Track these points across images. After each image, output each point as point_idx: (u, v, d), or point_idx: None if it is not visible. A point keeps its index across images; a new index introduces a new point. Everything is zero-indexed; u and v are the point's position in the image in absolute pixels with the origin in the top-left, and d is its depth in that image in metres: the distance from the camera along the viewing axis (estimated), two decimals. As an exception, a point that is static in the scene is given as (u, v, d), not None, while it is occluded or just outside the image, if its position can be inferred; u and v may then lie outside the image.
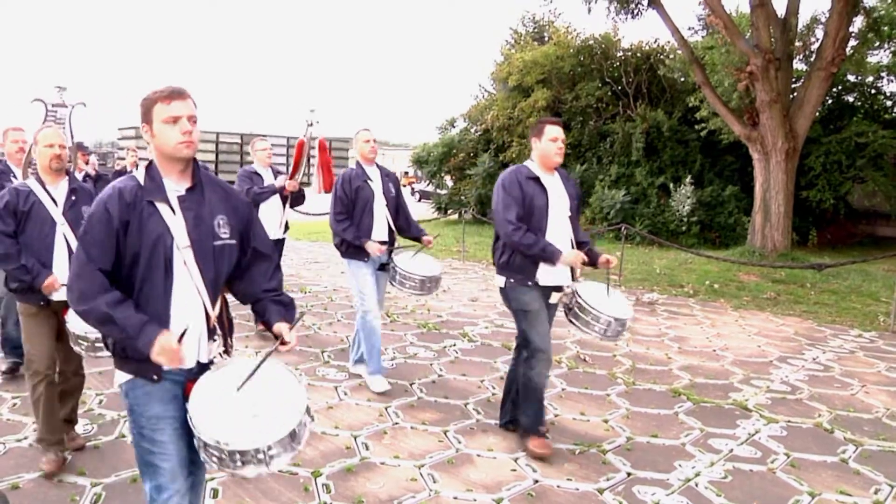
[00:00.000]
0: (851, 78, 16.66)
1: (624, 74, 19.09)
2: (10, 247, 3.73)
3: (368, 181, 5.22)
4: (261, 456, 2.15)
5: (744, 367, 6.30)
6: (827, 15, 13.27)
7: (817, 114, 14.03)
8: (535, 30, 22.96)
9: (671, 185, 16.18)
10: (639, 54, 19.48)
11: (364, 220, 5.18)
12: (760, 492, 3.82)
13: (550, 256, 3.96)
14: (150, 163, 2.43)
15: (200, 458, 2.28)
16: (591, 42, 19.96)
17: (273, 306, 2.56)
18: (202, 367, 2.45)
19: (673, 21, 13.78)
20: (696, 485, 3.88)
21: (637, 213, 16.30)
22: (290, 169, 6.88)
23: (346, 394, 5.20)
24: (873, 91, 17.08)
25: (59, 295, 3.69)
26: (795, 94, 13.52)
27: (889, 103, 17.17)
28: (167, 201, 2.36)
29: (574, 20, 40.91)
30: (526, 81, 19.69)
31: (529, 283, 4.08)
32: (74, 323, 3.58)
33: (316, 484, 3.72)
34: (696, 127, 16.57)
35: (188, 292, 2.39)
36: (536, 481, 3.86)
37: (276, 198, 6.66)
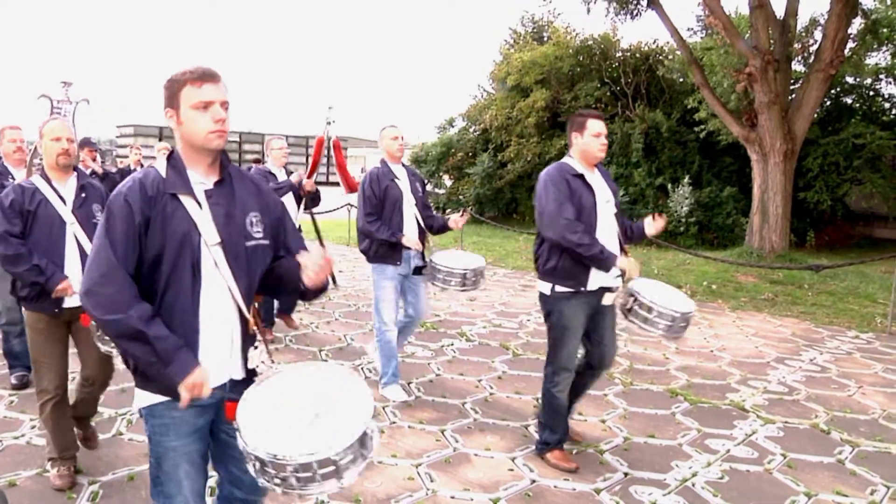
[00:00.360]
0: (850, 80, 16.67)
1: (623, 75, 19.10)
2: (20, 247, 3.45)
3: (396, 180, 5.00)
4: (330, 468, 1.83)
5: (741, 368, 6.31)
6: (826, 17, 13.29)
7: (815, 115, 14.05)
8: (535, 30, 22.95)
9: (669, 186, 16.19)
10: (638, 55, 19.49)
11: (394, 220, 4.93)
12: (757, 492, 3.82)
13: (606, 261, 3.72)
14: (172, 152, 2.17)
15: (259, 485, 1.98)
16: (590, 42, 19.96)
17: (293, 257, 2.27)
18: (235, 384, 2.21)
19: (672, 22, 13.79)
20: (693, 485, 3.89)
21: (635, 214, 16.29)
22: (308, 168, 6.72)
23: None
24: (871, 93, 17.10)
25: (72, 301, 3.50)
26: (794, 95, 13.52)
27: (887, 105, 17.19)
28: (192, 194, 2.10)
29: (573, 20, 41.01)
30: (525, 81, 19.69)
31: (582, 288, 3.82)
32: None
33: (313, 482, 3.72)
34: (695, 128, 16.58)
35: (219, 297, 2.13)
36: (533, 481, 3.86)
37: (291, 199, 6.43)
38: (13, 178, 5.00)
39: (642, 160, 17.26)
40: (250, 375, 2.22)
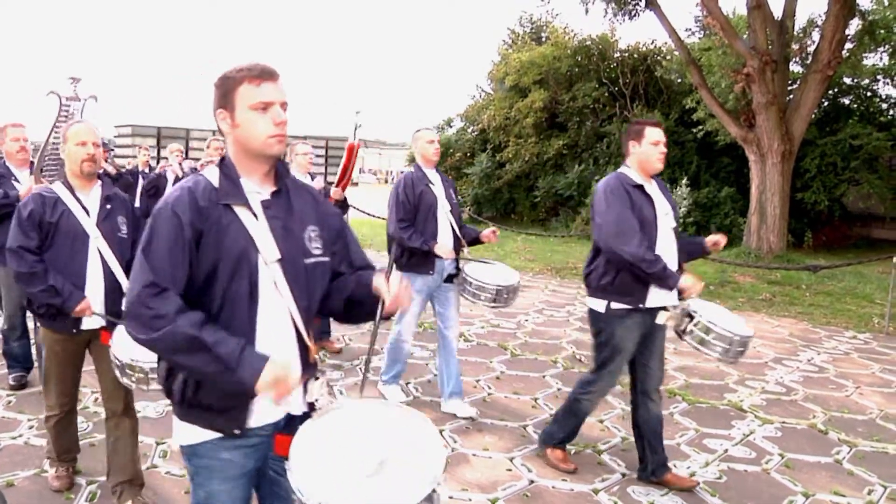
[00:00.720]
0: (847, 80, 16.71)
1: (621, 75, 19.12)
2: (35, 265, 3.16)
3: (430, 185, 4.74)
4: None
5: (739, 368, 6.31)
6: (823, 17, 13.32)
7: (813, 116, 14.07)
8: (533, 30, 22.99)
9: (668, 187, 16.21)
10: (636, 55, 19.52)
11: (427, 227, 4.67)
12: (755, 492, 3.83)
13: (668, 280, 3.52)
14: (223, 159, 1.95)
15: None
16: (588, 43, 19.99)
17: (360, 272, 2.09)
18: (291, 419, 1.96)
19: (670, 22, 13.81)
20: (691, 485, 3.89)
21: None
22: (338, 174, 6.41)
23: (341, 392, 5.20)
24: (869, 94, 17.14)
25: (91, 322, 3.27)
26: (792, 96, 13.56)
27: (884, 106, 17.23)
28: (248, 205, 1.89)
29: (571, 21, 41.08)
30: (523, 82, 19.73)
31: (640, 305, 3.61)
32: (120, 349, 2.98)
33: (312, 483, 3.71)
34: (693, 128, 16.61)
35: (277, 320, 1.91)
36: (532, 481, 3.87)
37: None
38: (16, 180, 4.76)
39: (640, 160, 17.27)
40: (309, 409, 1.98)
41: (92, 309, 3.21)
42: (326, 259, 2.03)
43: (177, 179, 8.04)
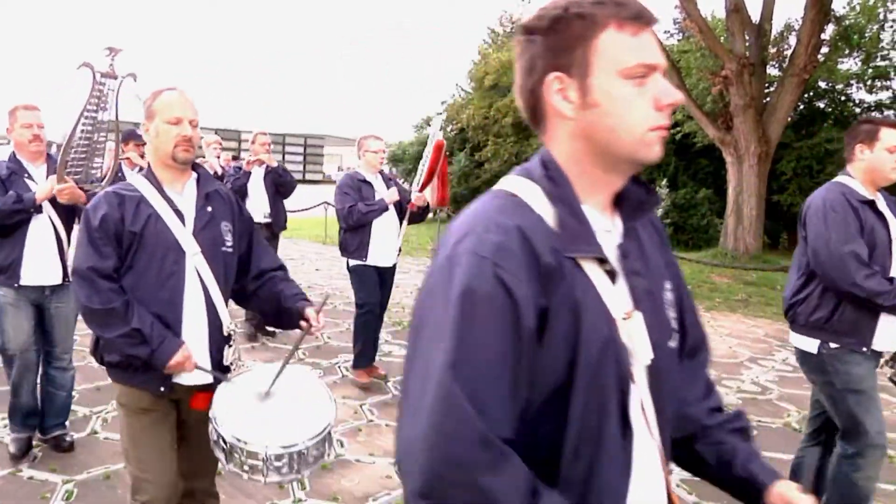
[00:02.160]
0: (822, 84, 16.95)
1: (601, 76, 19.23)
2: (113, 297, 2.21)
3: None
4: None
5: (715, 368, 6.38)
6: (800, 22, 13.51)
7: (789, 119, 14.27)
8: (514, 29, 23.04)
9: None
10: (615, 56, 19.64)
11: None
12: (731, 490, 3.87)
13: None
14: (546, 166, 1.15)
15: None
16: (568, 43, 20.08)
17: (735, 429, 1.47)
18: None
19: (649, 24, 13.93)
20: (669, 483, 3.92)
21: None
22: (422, 176, 5.78)
23: None
24: (843, 98, 17.40)
25: (193, 376, 2.34)
26: (769, 99, 13.73)
27: (858, 110, 17.49)
28: (604, 259, 1.07)
29: (551, 21, 41.36)
30: (503, 81, 19.78)
31: (864, 349, 2.93)
32: (225, 420, 2.12)
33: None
34: (671, 130, 16.74)
35: (648, 461, 1.13)
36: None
37: (393, 215, 5.31)
38: (30, 178, 3.71)
39: (619, 161, 17.40)
40: None
41: (194, 361, 2.30)
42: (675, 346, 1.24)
43: (217, 178, 6.93)
